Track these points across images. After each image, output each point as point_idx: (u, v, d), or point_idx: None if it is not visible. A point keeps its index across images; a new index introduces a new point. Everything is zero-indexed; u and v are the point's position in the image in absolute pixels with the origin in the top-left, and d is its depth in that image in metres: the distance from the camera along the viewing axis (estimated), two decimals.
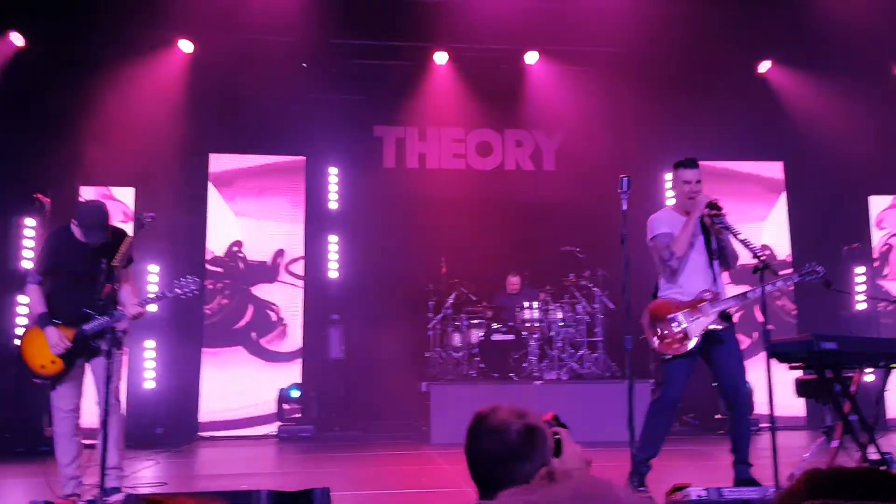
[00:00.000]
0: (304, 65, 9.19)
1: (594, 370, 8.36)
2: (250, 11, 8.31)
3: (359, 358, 9.03)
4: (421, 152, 10.08)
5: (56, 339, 4.61)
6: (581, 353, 8.44)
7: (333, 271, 9.40)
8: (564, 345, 8.44)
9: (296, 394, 8.54)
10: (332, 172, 9.60)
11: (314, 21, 8.52)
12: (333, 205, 9.57)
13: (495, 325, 8.55)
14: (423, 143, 10.08)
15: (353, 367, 9.03)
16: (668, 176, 9.87)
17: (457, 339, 8.64)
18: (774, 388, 4.21)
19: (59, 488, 4.65)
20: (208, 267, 9.10)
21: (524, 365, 8.31)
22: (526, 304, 8.46)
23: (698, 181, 4.71)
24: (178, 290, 4.67)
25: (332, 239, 9.46)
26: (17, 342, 8.06)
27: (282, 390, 8.63)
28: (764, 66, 9.62)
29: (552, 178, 10.04)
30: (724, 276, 4.85)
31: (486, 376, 8.29)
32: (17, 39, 8.54)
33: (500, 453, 1.71)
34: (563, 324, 8.46)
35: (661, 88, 9.32)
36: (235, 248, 9.22)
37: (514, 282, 9.13)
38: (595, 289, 8.61)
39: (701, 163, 10.23)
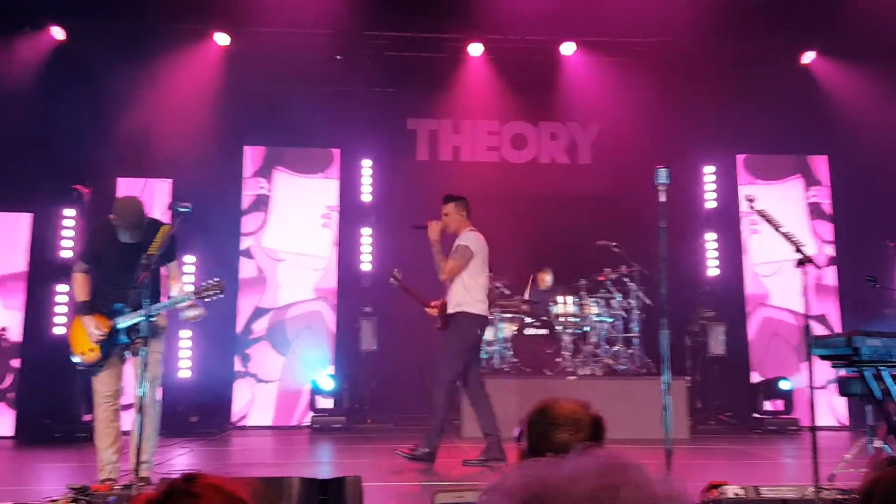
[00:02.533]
0: (339, 57, 9.21)
1: (630, 366, 8.25)
2: (285, 4, 8.34)
3: (391, 350, 9.03)
4: (455, 145, 10.03)
5: (91, 328, 4.69)
6: (616, 348, 8.33)
7: (366, 263, 9.41)
8: (599, 340, 8.34)
9: (328, 385, 8.57)
10: (366, 165, 9.60)
11: (348, 13, 8.52)
12: (367, 197, 9.57)
13: (528, 320, 8.48)
14: (457, 135, 10.03)
15: (385, 359, 9.03)
16: (709, 169, 9.69)
17: (489, 332, 8.58)
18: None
19: (97, 473, 4.72)
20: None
21: (558, 360, 8.23)
22: (560, 298, 8.36)
23: (445, 214, 5.97)
24: (200, 298, 4.64)
25: (365, 231, 9.46)
26: (56, 331, 8.27)
27: (314, 381, 8.67)
28: (807, 57, 9.37)
29: (588, 171, 9.92)
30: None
31: (519, 371, 8.23)
32: (57, 33, 8.70)
33: (574, 443, 1.76)
34: (598, 319, 8.35)
35: (701, 79, 9.14)
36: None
37: (545, 278, 9.04)
38: (631, 284, 8.49)
39: (741, 155, 10.10)
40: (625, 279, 8.50)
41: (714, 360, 8.99)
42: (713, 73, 9.17)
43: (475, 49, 9.34)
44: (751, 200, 4.77)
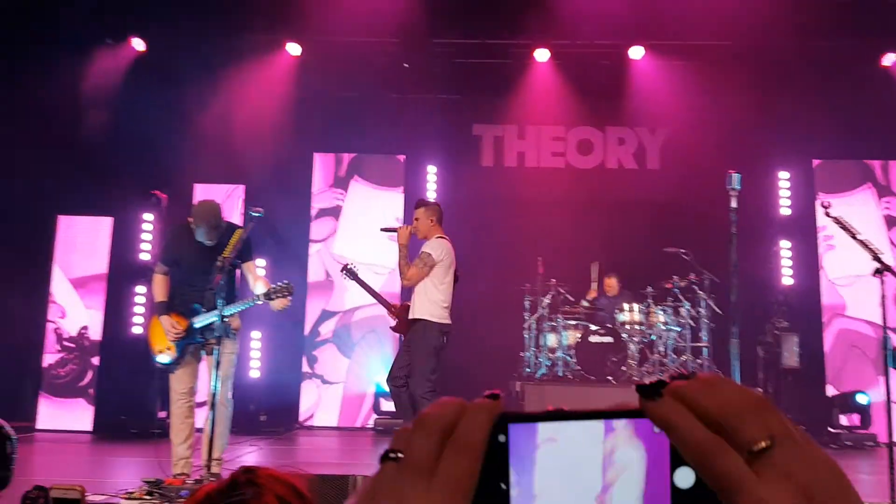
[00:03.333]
0: (406, 65, 9.32)
1: None
2: (355, 13, 8.50)
3: (453, 355, 9.01)
4: (520, 151, 10.01)
5: (168, 327, 4.86)
6: (684, 357, 8.16)
7: None
8: (666, 349, 8.18)
9: None
10: (431, 171, 9.68)
11: (416, 22, 8.62)
12: None
13: (593, 327, 8.38)
14: (522, 141, 10.01)
15: (447, 363, 9.01)
16: (784, 174, 9.41)
17: (552, 339, 8.53)
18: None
19: (170, 467, 4.89)
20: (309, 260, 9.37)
21: (623, 368, 8.11)
22: (626, 305, 8.24)
23: (416, 219, 5.86)
24: (268, 300, 4.77)
25: None
26: (134, 330, 8.61)
27: (378, 384, 8.77)
28: (888, 59, 9.01)
29: (656, 176, 9.75)
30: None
31: (583, 378, 8.14)
32: (138, 45, 9.08)
33: None
34: (665, 327, 8.19)
35: (774, 82, 8.89)
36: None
37: (611, 284, 8.92)
38: (700, 291, 8.30)
39: (817, 161, 9.75)
40: (694, 287, 8.32)
41: (787, 372, 8.70)
42: (787, 75, 8.91)
43: (541, 55, 9.31)
44: (826, 207, 4.62)
